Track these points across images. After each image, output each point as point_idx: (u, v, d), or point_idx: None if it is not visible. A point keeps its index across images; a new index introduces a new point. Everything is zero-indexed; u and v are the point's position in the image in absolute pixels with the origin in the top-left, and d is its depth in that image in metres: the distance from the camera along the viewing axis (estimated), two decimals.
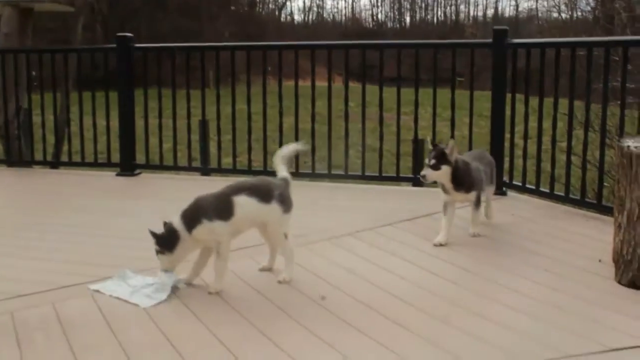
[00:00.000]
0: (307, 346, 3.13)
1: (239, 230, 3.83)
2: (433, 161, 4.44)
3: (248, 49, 6.94)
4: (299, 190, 4.09)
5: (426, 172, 4.45)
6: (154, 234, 3.70)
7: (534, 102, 5.72)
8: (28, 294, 3.73)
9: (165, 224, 3.71)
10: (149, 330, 3.31)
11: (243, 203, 3.72)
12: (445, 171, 4.44)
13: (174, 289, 3.72)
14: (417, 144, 6.91)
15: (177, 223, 3.68)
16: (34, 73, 7.79)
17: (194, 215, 3.70)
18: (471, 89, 6.02)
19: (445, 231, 4.55)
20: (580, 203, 5.46)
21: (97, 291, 3.75)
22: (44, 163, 7.93)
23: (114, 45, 7.05)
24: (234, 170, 7.05)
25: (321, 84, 6.51)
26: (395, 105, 6.28)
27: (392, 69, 6.27)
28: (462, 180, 4.51)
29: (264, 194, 3.76)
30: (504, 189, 5.89)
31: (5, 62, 7.56)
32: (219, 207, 3.71)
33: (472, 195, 4.60)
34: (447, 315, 3.46)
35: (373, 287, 3.81)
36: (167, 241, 3.68)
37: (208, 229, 3.67)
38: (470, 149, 6.19)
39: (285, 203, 3.80)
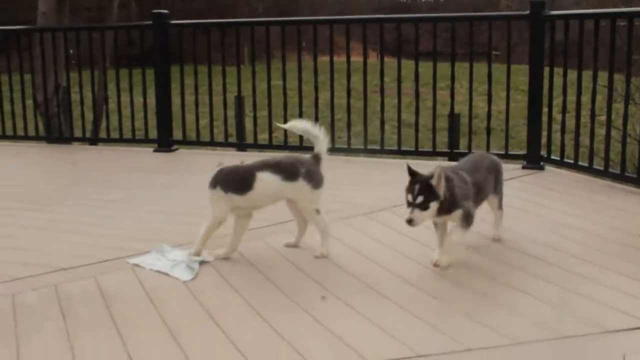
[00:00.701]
0: (343, 318, 3.15)
1: (255, 205, 3.88)
2: (420, 198, 3.46)
3: (282, 24, 6.95)
4: (335, 165, 4.10)
5: (413, 215, 3.47)
6: None
7: (572, 75, 5.63)
8: (70, 268, 3.81)
9: None
10: (190, 303, 3.36)
11: (265, 179, 3.76)
12: (434, 208, 3.50)
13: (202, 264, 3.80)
14: (453, 118, 6.88)
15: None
16: (71, 51, 7.89)
17: (211, 181, 3.83)
18: (508, 62, 5.96)
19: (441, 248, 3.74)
20: (620, 177, 5.38)
21: (137, 265, 3.81)
22: (82, 139, 8.04)
23: (150, 22, 7.08)
24: (270, 146, 7.09)
25: (356, 59, 6.48)
26: (430, 80, 6.24)
27: (427, 44, 6.24)
28: (443, 205, 3.55)
29: (289, 172, 3.78)
30: (542, 163, 5.84)
31: (44, 40, 7.66)
32: (238, 180, 3.78)
33: (456, 215, 3.61)
34: (486, 289, 3.45)
35: (409, 260, 3.81)
36: None
37: (218, 196, 3.78)
38: (507, 124, 6.15)
39: (314, 179, 3.80)
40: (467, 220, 3.62)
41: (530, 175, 5.62)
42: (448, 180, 3.54)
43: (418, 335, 2.99)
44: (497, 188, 4.04)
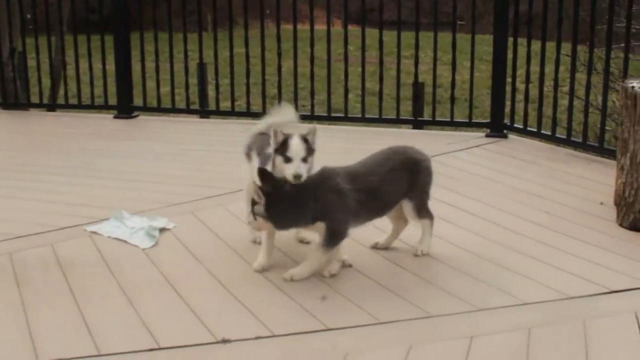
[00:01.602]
0: (303, 286, 3.12)
1: None
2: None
3: None
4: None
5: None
6: None
7: (535, 46, 5.62)
8: (26, 235, 3.72)
9: None
10: (148, 271, 3.30)
11: None
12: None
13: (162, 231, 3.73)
14: (417, 87, 6.87)
15: None
16: (28, 16, 7.65)
17: None
18: (473, 31, 5.91)
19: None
20: (582, 146, 5.40)
21: (95, 233, 3.73)
22: (40, 106, 7.86)
23: None
24: (232, 113, 6.99)
25: (319, 27, 6.40)
26: (395, 49, 6.18)
27: (392, 12, 6.17)
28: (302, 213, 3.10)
29: None
30: (505, 131, 5.85)
31: None
32: None
33: (319, 227, 3.11)
34: (451, 258, 3.44)
35: (373, 228, 3.77)
36: None
37: None
38: (471, 92, 6.12)
39: None
40: (333, 236, 3.12)
41: (493, 144, 5.61)
42: (321, 182, 3.12)
43: (380, 303, 2.97)
44: (413, 192, 3.35)
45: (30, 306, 2.95)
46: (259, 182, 3.03)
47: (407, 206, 3.37)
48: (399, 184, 3.32)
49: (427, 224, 3.46)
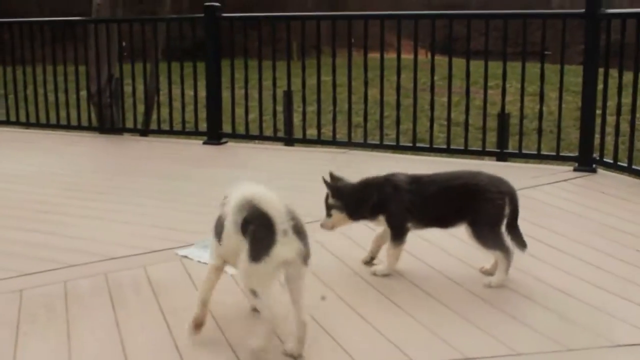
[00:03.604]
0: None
1: None
2: (326, 210, 3.64)
3: (333, 19, 6.91)
4: (381, 162, 4.08)
5: (323, 222, 3.65)
6: None
7: (627, 77, 5.51)
8: (120, 257, 3.88)
9: None
10: (236, 295, 3.37)
11: None
12: (338, 217, 3.61)
13: None
14: (503, 117, 6.82)
15: None
16: (124, 43, 8.00)
17: None
18: (562, 61, 5.84)
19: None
20: None
21: (185, 257, 3.85)
22: (133, 130, 8.15)
23: (202, 15, 7.14)
24: (317, 141, 7.09)
25: (405, 56, 6.46)
26: (480, 79, 6.17)
27: (477, 42, 6.18)
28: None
29: None
30: (594, 165, 5.73)
31: (98, 32, 7.78)
32: None
33: (381, 219, 3.61)
34: (531, 291, 3.40)
35: (462, 263, 3.77)
36: None
37: None
38: (559, 124, 6.04)
39: None
40: (392, 229, 3.55)
41: (581, 178, 5.52)
42: (384, 180, 3.56)
43: (466, 338, 2.96)
44: (473, 218, 3.45)
45: (123, 325, 3.08)
46: (328, 180, 3.51)
47: (468, 231, 3.48)
48: (454, 204, 3.50)
49: (498, 256, 3.47)
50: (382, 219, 3.56)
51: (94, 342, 2.95)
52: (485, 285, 3.47)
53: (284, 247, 2.60)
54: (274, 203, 2.58)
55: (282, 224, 2.57)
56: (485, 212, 3.47)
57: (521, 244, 3.52)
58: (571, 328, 3.06)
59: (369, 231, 3.82)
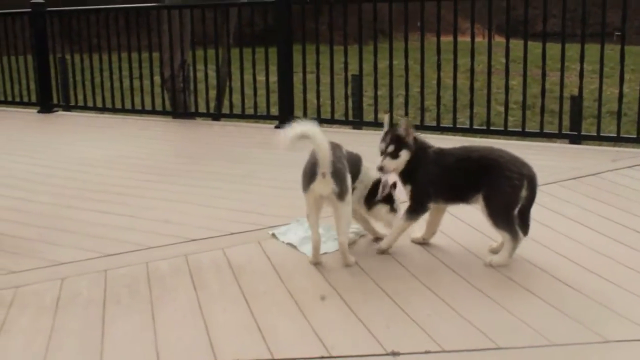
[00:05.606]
0: (471, 302, 3.10)
1: None
2: (391, 147, 3.54)
3: (406, 1, 6.81)
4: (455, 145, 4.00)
5: (384, 163, 3.55)
6: None
7: None
8: (199, 239, 3.93)
9: None
10: (316, 279, 3.39)
11: None
12: (404, 158, 3.54)
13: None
14: (579, 99, 6.65)
15: None
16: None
17: None
18: None
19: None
20: None
21: (274, 235, 3.90)
22: (206, 115, 8.25)
23: (273, 0, 7.15)
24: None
25: (464, 39, 6.44)
26: (550, 62, 6.07)
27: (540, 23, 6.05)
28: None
29: None
30: None
31: (172, 17, 7.88)
32: None
33: (407, 189, 3.64)
34: (622, 278, 3.30)
35: (537, 244, 3.69)
36: None
37: None
38: None
39: None
40: (412, 201, 3.59)
41: None
42: (418, 149, 3.54)
43: (551, 324, 2.90)
44: (487, 193, 3.41)
45: (205, 307, 3.12)
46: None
47: (481, 206, 3.44)
48: (472, 177, 3.46)
49: (506, 237, 3.43)
50: (408, 188, 3.60)
51: (177, 323, 3.00)
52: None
53: (320, 185, 3.35)
54: (323, 149, 3.27)
55: (323, 167, 3.29)
56: (501, 189, 3.41)
57: (524, 231, 3.49)
58: None
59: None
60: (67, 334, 2.93)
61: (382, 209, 3.69)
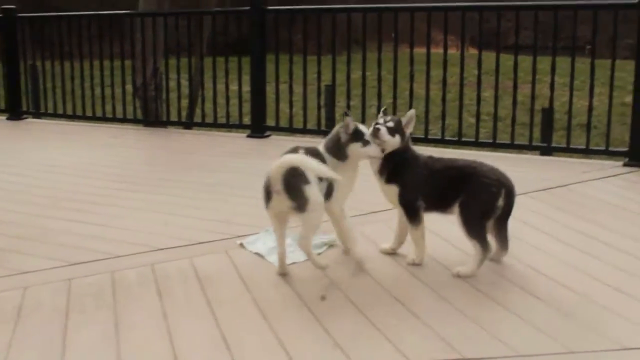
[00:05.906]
0: (438, 313, 3.09)
1: None
2: (391, 123, 3.51)
3: (380, 11, 6.85)
4: None
5: (381, 128, 3.48)
6: None
7: None
8: (166, 248, 3.89)
9: None
10: (283, 289, 3.36)
11: None
12: (397, 140, 3.49)
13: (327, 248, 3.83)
14: (549, 111, 6.69)
15: None
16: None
17: None
18: (614, 55, 5.73)
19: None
20: None
21: (242, 245, 3.88)
22: (178, 123, 8.20)
23: (247, 8, 7.14)
24: None
25: (437, 51, 6.47)
26: (522, 74, 6.14)
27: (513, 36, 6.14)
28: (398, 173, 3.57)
29: None
30: None
31: (144, 25, 7.84)
32: None
33: (392, 190, 3.61)
34: (586, 290, 3.32)
35: (505, 255, 3.70)
36: None
37: None
38: (609, 121, 5.93)
39: None
40: (403, 207, 3.58)
41: (632, 174, 5.40)
42: (403, 151, 3.54)
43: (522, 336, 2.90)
44: (462, 201, 3.44)
45: (171, 317, 3.07)
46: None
47: (457, 214, 3.45)
48: (453, 184, 3.49)
49: (476, 247, 3.43)
50: (394, 189, 3.57)
51: (142, 333, 2.96)
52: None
53: (276, 202, 3.39)
54: (273, 171, 3.34)
55: (274, 184, 3.35)
56: (477, 197, 3.44)
57: (504, 246, 3.53)
58: (628, 326, 2.98)
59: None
60: (27, 345, 2.88)
61: (355, 146, 3.52)
